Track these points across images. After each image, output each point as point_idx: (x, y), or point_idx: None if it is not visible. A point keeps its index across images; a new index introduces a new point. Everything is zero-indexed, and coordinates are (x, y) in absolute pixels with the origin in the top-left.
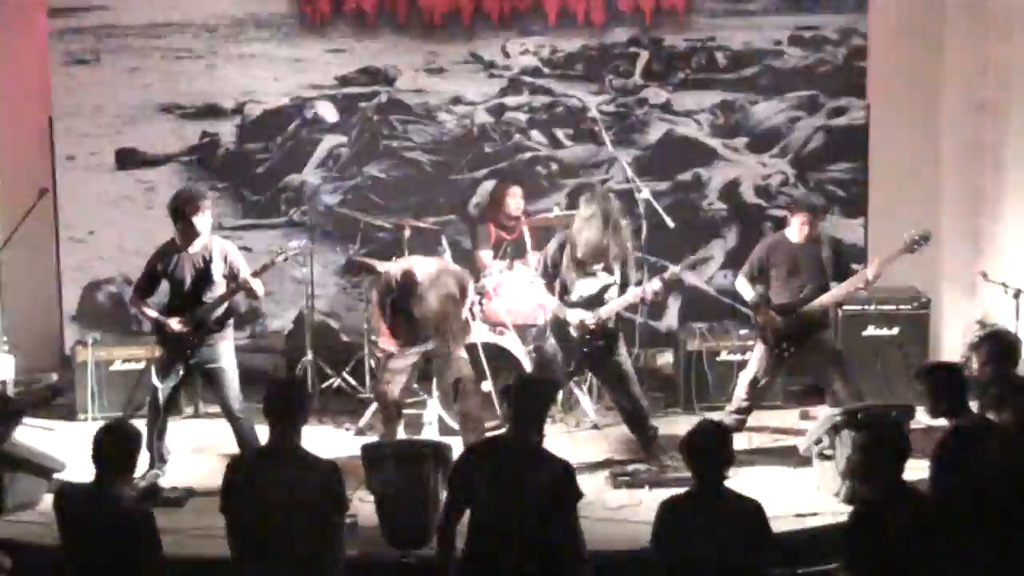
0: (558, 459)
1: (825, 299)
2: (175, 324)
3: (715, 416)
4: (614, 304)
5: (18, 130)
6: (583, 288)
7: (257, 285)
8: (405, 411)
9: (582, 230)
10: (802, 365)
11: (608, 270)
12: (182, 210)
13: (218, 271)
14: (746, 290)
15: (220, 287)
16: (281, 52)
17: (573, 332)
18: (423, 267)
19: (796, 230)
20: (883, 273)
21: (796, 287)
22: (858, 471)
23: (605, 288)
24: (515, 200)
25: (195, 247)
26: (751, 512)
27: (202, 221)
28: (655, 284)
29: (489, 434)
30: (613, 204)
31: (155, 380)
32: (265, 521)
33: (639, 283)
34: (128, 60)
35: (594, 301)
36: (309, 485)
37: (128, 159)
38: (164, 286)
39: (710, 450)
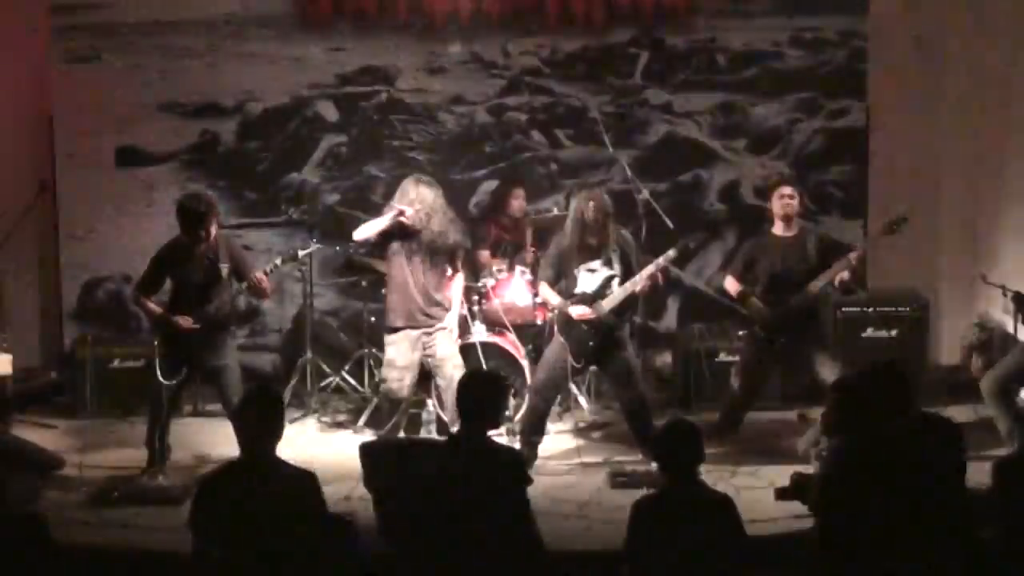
0: (506, 447)
1: (812, 287)
2: (185, 322)
3: (711, 416)
4: (616, 295)
5: (18, 127)
6: (584, 285)
7: (266, 284)
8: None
9: (570, 229)
10: (793, 357)
11: (608, 264)
12: (193, 220)
13: (225, 269)
14: (732, 286)
15: (226, 284)
16: (282, 51)
17: (578, 329)
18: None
19: (779, 207)
20: (865, 256)
21: (784, 281)
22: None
23: (607, 282)
24: (519, 201)
25: (201, 245)
26: (723, 507)
27: (214, 227)
28: (650, 268)
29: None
30: (592, 199)
31: (160, 378)
32: (241, 536)
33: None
34: (129, 58)
35: (597, 296)
36: (286, 497)
37: (128, 157)
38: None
39: (680, 448)
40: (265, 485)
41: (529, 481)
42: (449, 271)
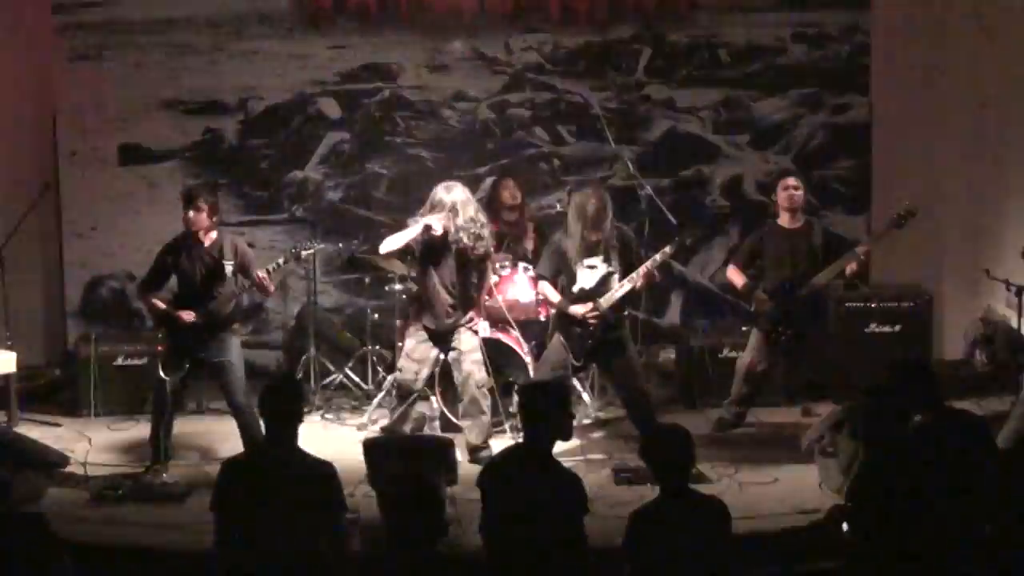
0: (567, 470)
1: (817, 279)
2: (189, 316)
3: (714, 412)
4: (614, 292)
5: (21, 125)
6: (584, 281)
7: (269, 282)
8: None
9: (570, 226)
10: (797, 351)
11: (607, 261)
12: (187, 199)
13: (229, 266)
14: (736, 277)
15: (230, 282)
16: (284, 48)
17: (577, 327)
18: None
19: (785, 199)
20: (872, 251)
21: (789, 274)
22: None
23: (606, 279)
24: (509, 191)
25: (206, 241)
26: (717, 512)
27: (199, 216)
28: (647, 265)
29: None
30: (592, 195)
31: (162, 374)
32: (261, 522)
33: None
34: (131, 56)
35: (595, 293)
36: (307, 486)
37: (131, 154)
38: (170, 281)
39: (669, 457)
40: (286, 470)
41: (587, 510)
42: (476, 277)
